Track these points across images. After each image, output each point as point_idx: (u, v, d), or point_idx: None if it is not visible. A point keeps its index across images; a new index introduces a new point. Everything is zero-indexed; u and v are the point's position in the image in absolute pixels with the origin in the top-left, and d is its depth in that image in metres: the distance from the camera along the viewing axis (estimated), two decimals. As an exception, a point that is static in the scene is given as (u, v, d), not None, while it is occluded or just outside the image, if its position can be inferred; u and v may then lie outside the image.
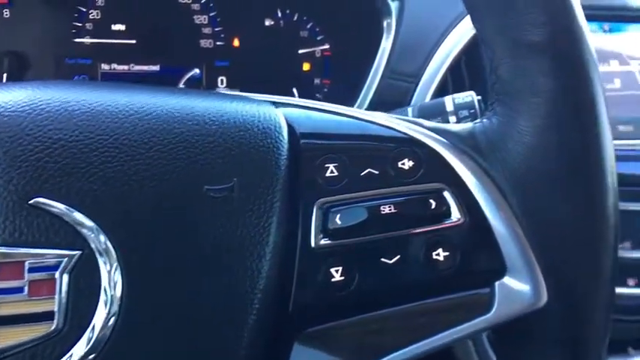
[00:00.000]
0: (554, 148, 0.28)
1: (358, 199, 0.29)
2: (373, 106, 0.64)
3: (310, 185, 0.29)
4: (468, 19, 0.66)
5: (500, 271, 0.29)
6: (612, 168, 0.29)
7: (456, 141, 0.30)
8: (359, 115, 0.32)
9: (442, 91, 0.65)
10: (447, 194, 0.29)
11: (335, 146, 0.30)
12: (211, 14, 0.68)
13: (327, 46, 0.72)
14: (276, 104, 0.32)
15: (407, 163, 0.30)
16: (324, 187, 0.29)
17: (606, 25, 0.72)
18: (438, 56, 0.64)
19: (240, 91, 0.70)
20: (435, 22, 0.65)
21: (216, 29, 0.68)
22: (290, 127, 0.30)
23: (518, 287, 0.28)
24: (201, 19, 0.67)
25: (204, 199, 0.26)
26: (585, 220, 0.28)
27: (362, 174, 0.30)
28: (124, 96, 0.27)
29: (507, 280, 0.29)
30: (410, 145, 0.30)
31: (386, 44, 0.64)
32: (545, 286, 0.28)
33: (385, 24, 0.65)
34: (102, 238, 0.24)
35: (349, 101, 0.66)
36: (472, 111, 0.46)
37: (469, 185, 0.29)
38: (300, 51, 0.71)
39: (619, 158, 0.68)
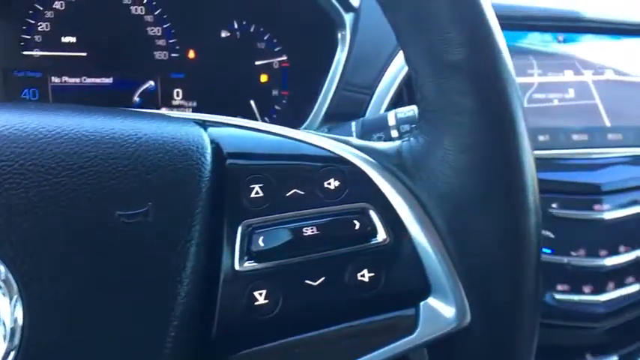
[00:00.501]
0: (476, 167, 0.28)
1: (282, 220, 0.29)
2: (328, 118, 0.64)
3: (235, 207, 0.29)
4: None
5: (425, 291, 0.28)
6: (534, 186, 0.29)
7: (382, 160, 0.30)
8: (288, 134, 0.32)
9: (398, 102, 0.66)
10: (372, 214, 0.29)
11: (261, 166, 0.30)
12: (165, 26, 0.67)
13: (284, 58, 0.71)
14: (203, 123, 0.31)
15: (333, 183, 0.29)
16: (248, 209, 0.29)
17: (560, 36, 0.73)
18: (392, 68, 0.64)
19: (198, 103, 0.70)
20: (390, 34, 0.65)
21: (171, 41, 0.67)
22: (217, 147, 0.30)
23: (442, 308, 0.28)
24: (154, 30, 0.67)
25: (115, 226, 0.25)
26: (507, 240, 0.28)
27: (287, 194, 0.29)
28: (35, 119, 0.26)
29: (432, 300, 0.28)
30: (336, 165, 0.30)
31: (340, 56, 0.64)
32: (468, 306, 0.28)
33: (340, 36, 0.64)
34: (1, 268, 0.23)
35: (307, 113, 0.66)
36: (414, 125, 0.46)
37: (394, 205, 0.29)
38: (257, 62, 0.71)
39: (574, 167, 0.69)
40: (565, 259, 0.66)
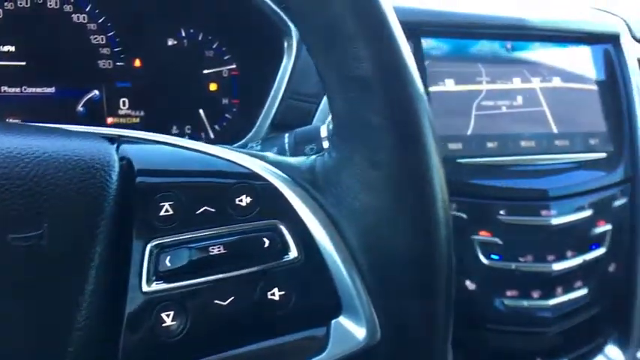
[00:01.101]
0: (385, 183, 0.27)
1: (191, 239, 0.28)
2: (275, 128, 0.64)
3: (144, 225, 0.28)
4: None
5: (336, 309, 0.28)
6: (443, 201, 0.29)
7: (295, 175, 0.30)
8: (203, 149, 0.31)
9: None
10: (283, 231, 0.29)
11: (172, 184, 0.29)
12: (109, 34, 0.66)
13: (234, 66, 0.71)
14: (116, 139, 0.31)
15: (244, 200, 0.29)
16: (158, 227, 0.28)
17: (509, 44, 0.74)
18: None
19: (145, 112, 0.69)
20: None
21: (116, 49, 0.66)
22: (127, 163, 0.29)
23: (352, 326, 0.28)
24: (98, 39, 0.65)
25: (9, 249, 0.24)
26: (417, 257, 0.28)
27: (198, 212, 0.29)
28: None
29: (343, 319, 0.28)
30: (249, 181, 0.29)
31: (287, 65, 0.64)
32: (378, 325, 0.28)
33: (286, 44, 0.64)
34: None
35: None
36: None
37: (306, 222, 0.29)
38: (206, 71, 0.70)
39: (522, 174, 0.70)
40: (513, 265, 0.67)
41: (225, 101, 0.71)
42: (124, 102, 0.67)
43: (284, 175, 0.29)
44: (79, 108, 0.66)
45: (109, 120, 0.67)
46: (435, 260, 0.28)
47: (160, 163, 0.30)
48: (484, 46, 0.73)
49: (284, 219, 0.28)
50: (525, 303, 0.68)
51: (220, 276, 0.27)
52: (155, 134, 0.32)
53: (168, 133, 0.56)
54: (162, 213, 0.28)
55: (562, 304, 0.70)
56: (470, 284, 0.66)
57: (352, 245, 0.28)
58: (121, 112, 0.68)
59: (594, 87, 0.76)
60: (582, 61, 0.77)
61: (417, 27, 0.69)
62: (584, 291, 0.71)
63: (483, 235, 0.66)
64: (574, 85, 0.75)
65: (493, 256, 0.66)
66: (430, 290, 0.28)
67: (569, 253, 0.69)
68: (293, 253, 0.28)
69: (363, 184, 0.28)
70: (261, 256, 0.28)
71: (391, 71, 0.27)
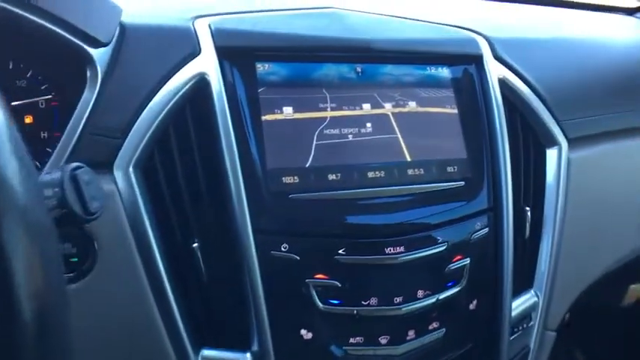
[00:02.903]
0: None
1: None
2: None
3: None
4: (193, 63, 0.61)
5: None
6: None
7: None
8: None
9: (164, 143, 0.59)
10: None
11: None
12: None
13: (50, 96, 0.64)
14: None
15: None
16: None
17: (359, 67, 0.69)
18: (151, 108, 0.58)
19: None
20: (153, 69, 0.59)
21: None
22: None
23: None
24: None
25: None
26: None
27: None
28: None
29: None
30: None
31: (88, 96, 0.57)
32: None
33: (88, 74, 0.58)
34: None
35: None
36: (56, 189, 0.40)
37: None
38: (16, 103, 0.63)
39: (367, 208, 0.64)
40: (355, 310, 0.61)
41: (43, 135, 0.64)
42: None
43: None
44: None
45: None
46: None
47: None
48: (330, 70, 0.68)
49: None
50: (371, 351, 0.62)
51: None
52: None
53: None
54: None
55: (415, 349, 0.64)
56: (306, 333, 0.60)
57: None
58: None
59: (454, 110, 0.71)
60: (441, 83, 0.72)
61: (251, 51, 0.64)
62: (440, 333, 0.66)
63: (320, 278, 0.60)
64: (431, 109, 0.71)
65: (332, 301, 0.60)
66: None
67: (420, 293, 0.64)
68: None
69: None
70: None
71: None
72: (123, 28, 0.61)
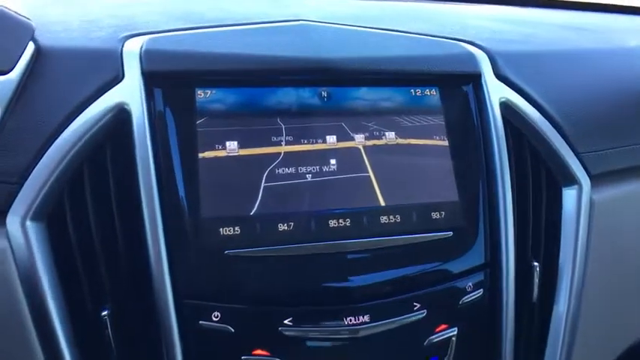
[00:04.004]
0: None
1: None
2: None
3: None
4: (112, 92, 0.51)
5: None
6: None
7: None
8: None
9: (76, 188, 0.50)
10: None
11: None
12: None
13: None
14: None
15: None
16: None
17: (324, 91, 0.57)
18: (57, 147, 0.48)
19: None
20: (65, 99, 0.50)
21: None
22: None
23: None
24: None
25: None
26: None
27: None
28: None
29: None
30: None
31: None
32: None
33: (-17, 107, 0.49)
34: None
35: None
36: None
37: None
38: None
39: (324, 267, 0.52)
40: (304, 396, 0.49)
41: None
42: None
43: None
44: None
45: None
46: None
47: None
48: (287, 96, 0.56)
49: None
50: None
51: None
52: None
53: None
54: None
55: None
56: (242, 422, 0.49)
57: None
58: None
59: (443, 142, 0.58)
60: (428, 109, 0.60)
61: (189, 76, 0.53)
62: None
63: (259, 355, 0.49)
64: (414, 140, 0.58)
65: (272, 385, 0.49)
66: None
67: (389, 373, 0.51)
68: None
69: None
70: None
71: None
72: (37, 50, 0.51)
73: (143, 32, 0.56)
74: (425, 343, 0.53)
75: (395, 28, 0.66)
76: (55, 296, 0.47)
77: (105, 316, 0.48)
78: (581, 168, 0.62)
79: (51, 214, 0.48)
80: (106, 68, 0.52)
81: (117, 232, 0.49)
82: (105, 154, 0.50)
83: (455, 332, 0.54)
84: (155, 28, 0.58)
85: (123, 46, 0.53)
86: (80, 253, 0.49)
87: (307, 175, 0.54)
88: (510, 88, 0.61)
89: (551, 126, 0.61)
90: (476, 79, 0.61)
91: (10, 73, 0.49)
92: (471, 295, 0.55)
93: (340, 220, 0.53)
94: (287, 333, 0.49)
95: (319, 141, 0.56)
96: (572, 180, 0.62)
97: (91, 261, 0.49)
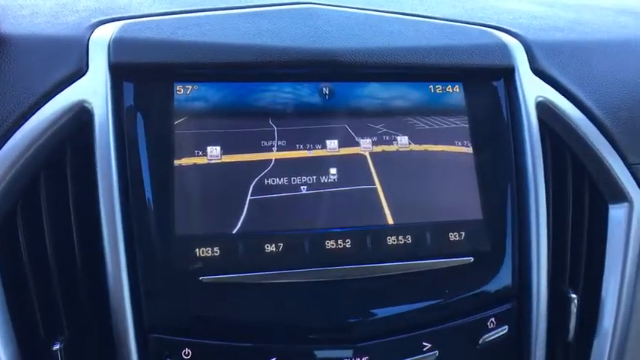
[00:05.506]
0: None
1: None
2: None
3: None
4: (73, 87, 0.44)
5: None
6: None
7: None
8: None
9: (30, 199, 0.43)
10: None
11: None
12: None
13: None
14: None
15: None
16: None
17: (326, 88, 0.49)
18: (9, 149, 0.42)
19: None
20: (20, 96, 0.43)
21: None
22: None
23: None
24: None
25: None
26: None
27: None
28: None
29: None
30: None
31: None
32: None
33: None
34: None
35: None
36: None
37: None
38: None
39: (315, 298, 0.43)
40: None
41: None
42: None
43: None
44: None
45: None
46: None
47: None
48: (282, 93, 0.48)
49: None
50: None
51: None
52: None
53: None
54: None
55: None
56: None
57: None
58: None
59: (466, 149, 0.49)
60: (450, 109, 0.51)
61: (166, 68, 0.46)
62: None
63: (237, 402, 0.41)
64: (432, 147, 0.49)
65: None
66: None
67: None
68: None
69: None
70: None
71: None
72: (-1, 39, 0.45)
73: (119, 17, 0.49)
74: (435, 391, 0.44)
75: (415, 13, 0.56)
76: (1, 323, 0.41)
77: (57, 350, 0.41)
78: (633, 182, 0.52)
79: (4, 225, 0.42)
80: (68, 60, 0.44)
81: (75, 252, 0.43)
82: (65, 161, 0.43)
83: (472, 378, 0.45)
84: (136, 12, 0.51)
85: (91, 34, 0.46)
86: (32, 275, 0.42)
87: (302, 187, 0.46)
88: (549, 85, 0.52)
89: (598, 131, 0.51)
90: (508, 73, 0.51)
91: (-42, 66, 0.43)
92: (493, 332, 0.46)
93: (339, 241, 0.45)
94: (272, 375, 0.42)
95: (317, 146, 0.48)
96: (621, 196, 0.52)
97: (44, 284, 0.42)
